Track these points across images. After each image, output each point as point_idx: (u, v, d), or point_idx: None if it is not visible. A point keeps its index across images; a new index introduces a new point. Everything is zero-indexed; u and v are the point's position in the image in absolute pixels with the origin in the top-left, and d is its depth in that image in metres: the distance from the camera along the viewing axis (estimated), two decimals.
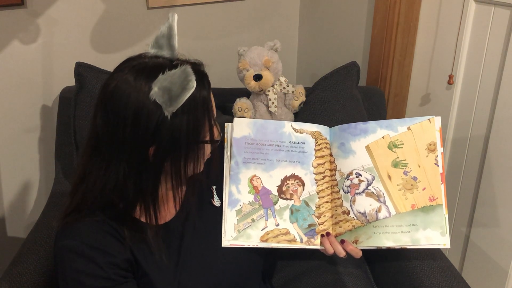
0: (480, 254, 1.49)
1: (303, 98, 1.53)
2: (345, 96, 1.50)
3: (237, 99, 1.53)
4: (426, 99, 1.63)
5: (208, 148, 0.96)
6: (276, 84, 1.51)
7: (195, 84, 0.83)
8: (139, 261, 0.93)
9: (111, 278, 0.89)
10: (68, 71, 1.54)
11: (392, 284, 1.25)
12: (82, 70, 1.46)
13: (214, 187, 1.08)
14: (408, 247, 0.98)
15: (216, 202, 1.07)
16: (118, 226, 0.92)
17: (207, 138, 0.92)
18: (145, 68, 0.87)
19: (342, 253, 1.00)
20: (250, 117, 1.51)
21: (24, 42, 1.53)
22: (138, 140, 0.86)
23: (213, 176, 1.05)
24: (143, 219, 0.94)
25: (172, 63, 0.89)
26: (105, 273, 0.89)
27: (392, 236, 0.99)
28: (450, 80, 1.47)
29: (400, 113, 1.72)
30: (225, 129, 1.05)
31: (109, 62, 1.64)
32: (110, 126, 0.87)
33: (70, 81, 1.51)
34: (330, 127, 1.09)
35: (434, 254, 1.22)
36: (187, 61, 0.92)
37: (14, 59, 1.53)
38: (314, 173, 1.05)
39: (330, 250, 1.00)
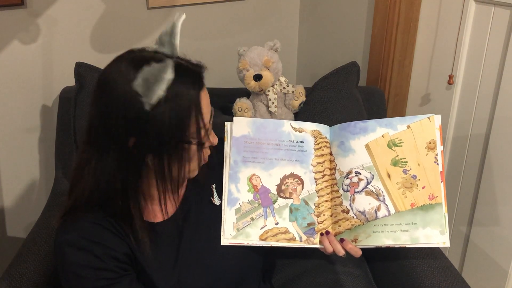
0: (480, 253, 1.49)
1: (303, 98, 1.53)
2: (345, 96, 1.50)
3: (237, 99, 1.53)
4: (426, 99, 1.63)
5: (195, 151, 0.93)
6: (276, 84, 1.51)
7: (170, 77, 0.84)
8: (138, 257, 0.94)
9: (111, 269, 0.90)
10: (68, 71, 1.54)
11: (392, 284, 1.24)
12: (82, 70, 1.47)
13: (214, 185, 1.08)
14: (407, 246, 0.98)
15: (216, 200, 1.07)
16: (117, 222, 0.93)
17: (194, 140, 0.91)
18: (139, 59, 0.88)
19: (341, 252, 1.00)
20: (250, 117, 1.51)
21: (24, 42, 1.53)
22: (119, 130, 0.86)
23: (213, 174, 1.05)
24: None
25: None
26: (105, 264, 0.89)
27: (392, 235, 0.98)
28: (450, 80, 1.47)
29: (400, 113, 1.72)
30: (225, 128, 1.05)
31: (109, 62, 1.64)
32: (99, 114, 0.88)
33: (70, 81, 1.52)
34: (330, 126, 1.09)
35: (434, 254, 1.22)
36: (186, 60, 0.92)
37: (14, 59, 1.53)
38: (313, 172, 1.05)
39: (330, 249, 1.00)
